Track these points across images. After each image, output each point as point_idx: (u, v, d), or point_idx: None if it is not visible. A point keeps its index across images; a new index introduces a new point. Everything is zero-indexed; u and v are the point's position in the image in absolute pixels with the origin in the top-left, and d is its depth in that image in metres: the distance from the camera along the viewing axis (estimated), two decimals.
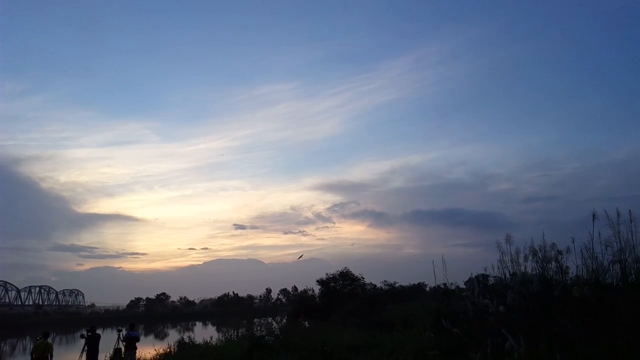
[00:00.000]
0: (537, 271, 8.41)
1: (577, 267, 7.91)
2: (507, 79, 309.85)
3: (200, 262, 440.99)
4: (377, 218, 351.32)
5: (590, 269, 7.68)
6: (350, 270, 40.99)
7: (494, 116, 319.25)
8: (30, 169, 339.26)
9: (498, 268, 9.17)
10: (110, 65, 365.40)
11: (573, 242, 7.80)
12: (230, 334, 26.66)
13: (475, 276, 10.21)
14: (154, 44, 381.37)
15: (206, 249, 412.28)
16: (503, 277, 9.15)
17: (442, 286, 11.12)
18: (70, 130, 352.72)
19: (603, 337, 6.40)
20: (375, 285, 56.72)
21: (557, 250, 8.11)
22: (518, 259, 8.71)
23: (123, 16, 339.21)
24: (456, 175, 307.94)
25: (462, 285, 11.39)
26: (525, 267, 8.64)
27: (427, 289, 74.92)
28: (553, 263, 8.18)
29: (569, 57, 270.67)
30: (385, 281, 65.98)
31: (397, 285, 67.41)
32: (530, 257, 8.46)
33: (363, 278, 42.16)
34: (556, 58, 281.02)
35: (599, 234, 7.58)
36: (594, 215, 7.57)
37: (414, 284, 78.09)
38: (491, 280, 10.41)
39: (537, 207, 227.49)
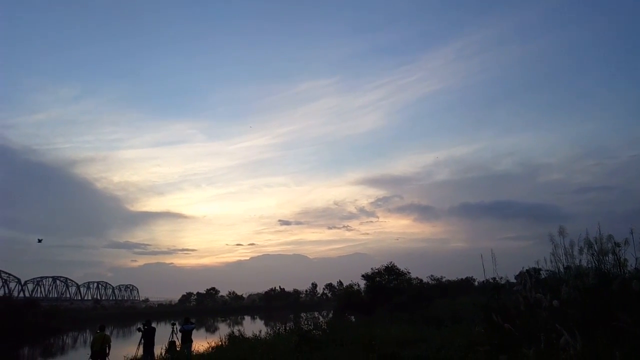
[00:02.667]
0: (593, 264, 8.11)
1: (636, 259, 7.60)
2: (557, 64, 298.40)
3: (247, 258, 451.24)
4: (423, 212, 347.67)
5: None
6: (395, 264, 40.84)
7: (544, 103, 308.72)
8: (85, 170, 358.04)
9: (551, 261, 8.91)
10: (157, 68, 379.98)
11: (632, 233, 7.49)
12: (278, 328, 27.16)
13: (527, 270, 9.97)
14: (197, 46, 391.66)
15: (253, 244, 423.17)
16: (556, 270, 8.88)
17: (492, 280, 10.88)
18: (122, 132, 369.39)
19: None
20: (421, 280, 56.13)
21: (615, 242, 7.80)
22: (572, 251, 8.43)
23: (167, 20, 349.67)
24: (504, 167, 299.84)
25: (513, 280, 11.07)
26: (580, 260, 8.37)
27: (476, 283, 73.20)
28: (610, 255, 7.89)
29: (624, 40, 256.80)
30: (431, 276, 65.22)
31: (444, 279, 66.49)
32: (585, 250, 8.18)
33: (409, 273, 41.92)
34: (611, 42, 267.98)
35: None
36: None
37: (462, 279, 76.54)
38: (543, 274, 10.08)
39: (592, 198, 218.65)
